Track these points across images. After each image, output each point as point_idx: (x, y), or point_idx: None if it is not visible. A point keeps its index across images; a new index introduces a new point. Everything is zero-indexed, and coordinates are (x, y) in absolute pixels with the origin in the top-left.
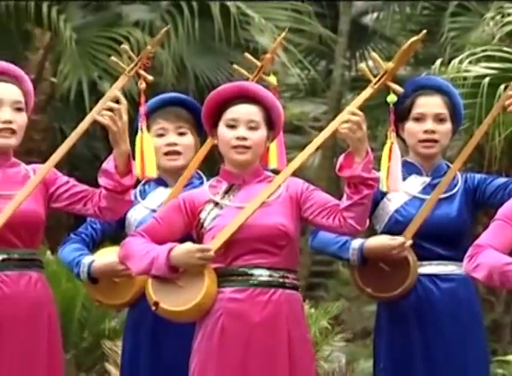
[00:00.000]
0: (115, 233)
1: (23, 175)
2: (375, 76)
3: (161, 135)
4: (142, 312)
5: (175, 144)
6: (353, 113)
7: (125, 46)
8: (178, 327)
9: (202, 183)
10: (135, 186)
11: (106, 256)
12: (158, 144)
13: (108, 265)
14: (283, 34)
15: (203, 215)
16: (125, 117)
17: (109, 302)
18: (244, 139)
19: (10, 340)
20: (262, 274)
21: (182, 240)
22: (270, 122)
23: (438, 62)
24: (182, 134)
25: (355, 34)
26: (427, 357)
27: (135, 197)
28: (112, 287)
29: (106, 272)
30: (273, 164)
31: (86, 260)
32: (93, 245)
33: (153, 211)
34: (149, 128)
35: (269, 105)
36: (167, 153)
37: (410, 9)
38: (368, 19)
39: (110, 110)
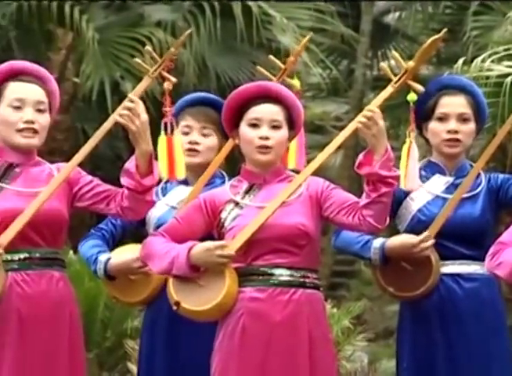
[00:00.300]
0: (135, 229)
1: (47, 174)
2: (396, 75)
3: (186, 133)
4: (158, 312)
5: (197, 143)
6: (369, 110)
7: (148, 47)
8: (193, 326)
9: (223, 183)
10: (157, 184)
11: (123, 254)
12: (182, 141)
13: (124, 262)
14: (308, 36)
15: (223, 215)
16: (144, 116)
17: (125, 300)
18: (267, 138)
19: (32, 339)
20: (283, 274)
21: (202, 240)
22: (291, 122)
23: (461, 61)
24: (206, 135)
25: (377, 33)
26: (449, 357)
27: (157, 195)
28: (128, 285)
29: (123, 270)
30: (291, 164)
31: (103, 257)
32: (113, 241)
33: (173, 208)
34: (177, 124)
35: (290, 104)
36: (186, 150)
37: (432, 8)
38: (390, 19)
39: (128, 109)
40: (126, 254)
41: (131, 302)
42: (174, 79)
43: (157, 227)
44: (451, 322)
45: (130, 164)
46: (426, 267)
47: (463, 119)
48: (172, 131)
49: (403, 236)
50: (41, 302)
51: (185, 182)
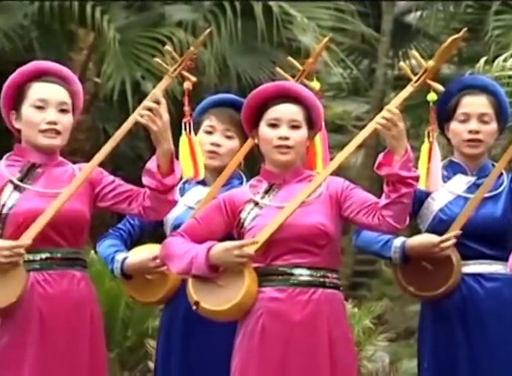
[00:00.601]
0: (153, 229)
1: (70, 175)
2: (416, 74)
3: (209, 133)
4: (174, 312)
5: (219, 145)
6: (388, 111)
7: (169, 47)
8: (208, 326)
9: (241, 184)
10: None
11: (140, 253)
12: (204, 141)
13: (140, 262)
14: (327, 37)
15: (243, 215)
16: (166, 117)
17: (141, 299)
18: (286, 138)
19: (53, 339)
20: (302, 274)
21: (222, 240)
22: (310, 121)
23: (483, 60)
24: (228, 137)
25: (398, 32)
26: (470, 357)
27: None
28: (145, 285)
29: (139, 269)
30: (319, 167)
31: (120, 256)
32: (131, 241)
33: (191, 208)
34: (200, 123)
35: (310, 104)
36: (207, 152)
37: (454, 7)
38: (411, 18)
39: (150, 110)
40: (143, 253)
41: (147, 302)
42: (194, 78)
43: (174, 227)
44: (472, 322)
45: (151, 164)
46: (447, 267)
47: (484, 119)
48: (191, 130)
49: (423, 236)
50: (63, 302)
51: (203, 183)
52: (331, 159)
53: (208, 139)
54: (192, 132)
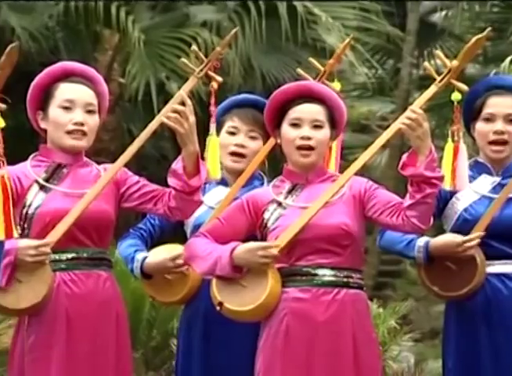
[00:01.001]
0: (174, 229)
1: (95, 175)
2: (440, 74)
3: (232, 134)
4: (194, 311)
5: (243, 146)
6: (413, 111)
7: (195, 47)
8: (229, 326)
9: (262, 184)
10: None
11: (160, 253)
12: (226, 142)
13: (160, 262)
14: (349, 38)
15: (266, 215)
16: (192, 119)
17: (162, 299)
18: (308, 138)
19: (80, 338)
20: (326, 274)
21: (245, 241)
22: (333, 121)
23: (508, 60)
24: (252, 138)
25: (423, 32)
26: (495, 357)
27: None
28: (165, 284)
29: (159, 269)
30: (332, 167)
31: (140, 256)
32: (151, 241)
33: (211, 208)
34: (222, 123)
35: (333, 104)
36: (232, 154)
37: (479, 6)
38: (436, 18)
39: (176, 112)
40: (162, 253)
41: (167, 302)
42: (220, 78)
43: (195, 227)
44: (496, 322)
45: (177, 166)
46: (471, 267)
47: (510, 120)
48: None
49: (447, 236)
50: (89, 302)
51: (224, 183)
52: (355, 159)
53: (232, 139)
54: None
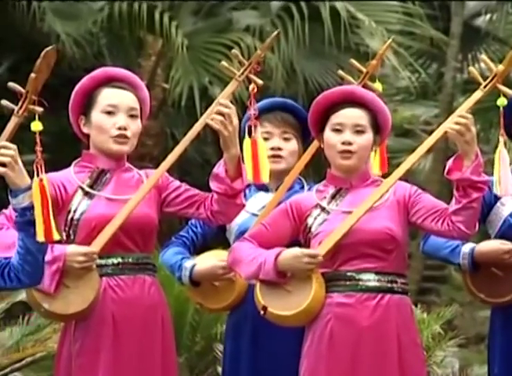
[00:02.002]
0: (216, 236)
1: (137, 180)
2: (485, 79)
3: (266, 139)
4: (242, 317)
5: (279, 148)
6: (462, 116)
7: (235, 50)
8: (277, 331)
9: (302, 188)
10: None
11: (207, 260)
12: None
13: (209, 269)
14: (390, 39)
15: (310, 220)
16: (236, 122)
17: (209, 306)
18: (350, 143)
19: (127, 343)
20: (370, 279)
21: (289, 245)
22: (377, 126)
23: None
24: (286, 139)
25: (467, 36)
26: None
27: None
28: (213, 291)
29: (207, 276)
30: (375, 169)
31: (188, 264)
32: (194, 248)
33: (254, 215)
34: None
35: (376, 109)
36: (270, 157)
37: None
38: (481, 21)
39: (221, 114)
40: (210, 260)
41: (214, 308)
42: (260, 81)
43: (239, 234)
44: None
45: (219, 169)
46: None
47: None
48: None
49: (493, 242)
50: (135, 307)
51: (265, 189)
52: (399, 163)
53: (267, 144)
54: (259, 135)
